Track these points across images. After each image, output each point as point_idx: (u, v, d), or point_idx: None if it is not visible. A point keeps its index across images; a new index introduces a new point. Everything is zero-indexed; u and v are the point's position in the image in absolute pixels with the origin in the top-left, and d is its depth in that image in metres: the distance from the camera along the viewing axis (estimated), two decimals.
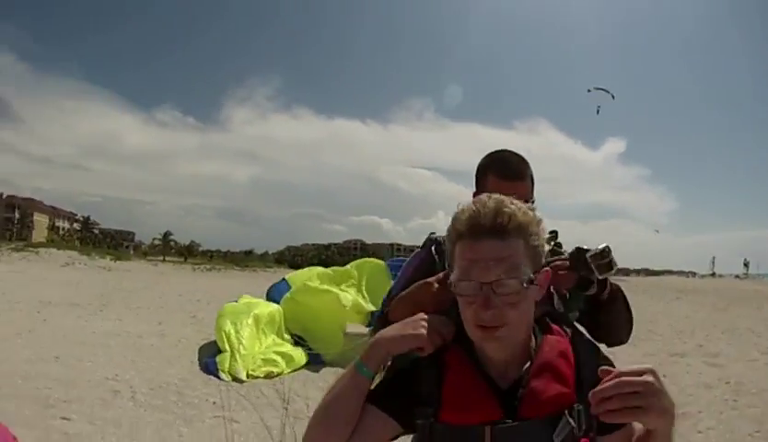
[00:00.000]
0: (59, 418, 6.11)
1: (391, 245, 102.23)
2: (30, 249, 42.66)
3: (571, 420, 1.28)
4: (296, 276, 12.80)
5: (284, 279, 12.69)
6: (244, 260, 67.14)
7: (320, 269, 12.83)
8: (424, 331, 1.36)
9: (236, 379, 8.14)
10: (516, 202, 1.35)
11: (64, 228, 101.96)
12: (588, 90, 35.98)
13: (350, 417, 1.37)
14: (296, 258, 69.50)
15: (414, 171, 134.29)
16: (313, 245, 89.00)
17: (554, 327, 1.47)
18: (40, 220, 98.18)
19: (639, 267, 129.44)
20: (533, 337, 1.41)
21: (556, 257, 1.81)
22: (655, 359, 10.99)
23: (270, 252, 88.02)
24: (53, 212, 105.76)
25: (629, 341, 2.05)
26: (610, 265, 1.73)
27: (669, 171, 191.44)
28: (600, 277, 1.76)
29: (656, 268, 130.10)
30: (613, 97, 37.06)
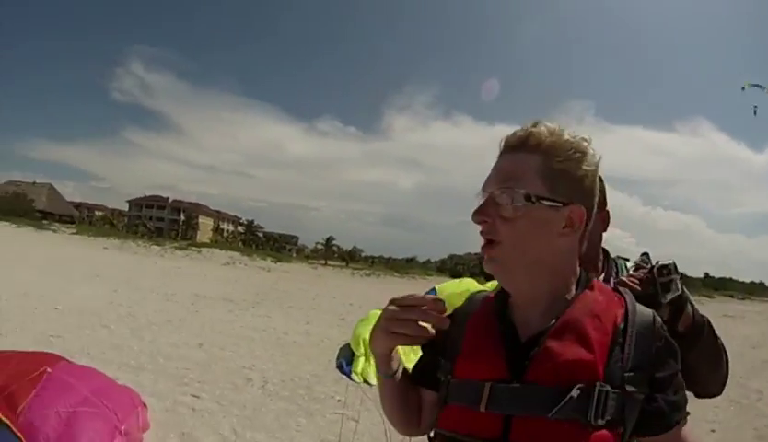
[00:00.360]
0: (189, 395, 6.66)
1: None
2: (193, 248, 45.42)
3: (576, 393, 1.08)
4: (445, 287, 12.73)
5: (433, 288, 12.62)
6: (404, 267, 66.67)
7: (469, 281, 12.64)
8: (383, 335, 1.24)
9: (366, 382, 8.20)
10: (557, 125, 1.24)
11: (228, 231, 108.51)
12: (743, 88, 31.84)
13: (402, 412, 1.39)
14: (457, 267, 68.00)
15: None
16: (476, 254, 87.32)
17: (600, 284, 1.29)
18: (205, 223, 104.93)
19: None
20: (574, 290, 1.24)
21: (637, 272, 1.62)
22: None
23: (432, 260, 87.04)
24: (218, 215, 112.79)
25: None
26: (669, 286, 1.51)
27: None
28: (665, 300, 1.50)
29: None
30: None
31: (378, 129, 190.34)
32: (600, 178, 1.76)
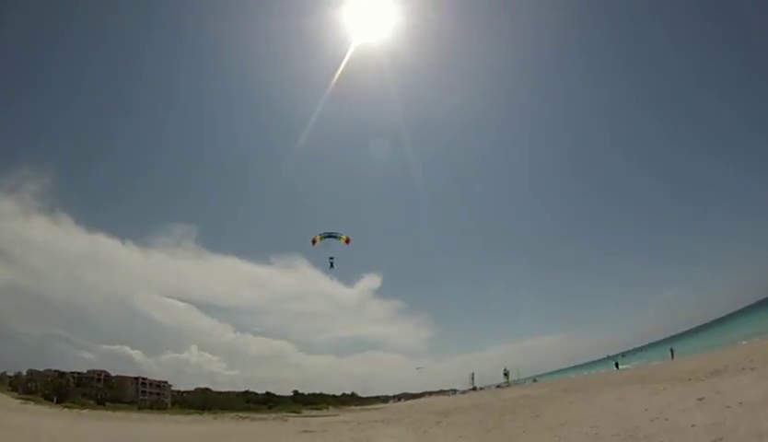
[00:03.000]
0: None
1: (136, 378, 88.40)
2: None
3: None
4: None
5: None
6: None
7: None
8: None
9: None
10: None
11: None
12: (313, 242, 37.78)
13: None
14: (29, 384, 64.98)
15: (169, 301, 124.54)
16: (55, 371, 78.80)
17: None
18: None
19: (399, 392, 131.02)
20: None
21: None
22: None
23: (8, 374, 73.32)
24: None
25: None
26: None
27: (423, 302, 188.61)
28: None
29: (415, 391, 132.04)
30: (349, 240, 38.01)
31: None
32: None
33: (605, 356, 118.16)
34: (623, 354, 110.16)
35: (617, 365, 78.17)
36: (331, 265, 40.05)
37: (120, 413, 56.30)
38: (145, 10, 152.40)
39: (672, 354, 61.90)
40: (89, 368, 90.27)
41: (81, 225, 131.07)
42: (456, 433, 21.93)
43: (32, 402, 51.30)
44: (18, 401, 51.07)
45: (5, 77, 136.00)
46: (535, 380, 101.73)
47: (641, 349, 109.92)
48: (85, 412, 51.31)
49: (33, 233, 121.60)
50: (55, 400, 59.12)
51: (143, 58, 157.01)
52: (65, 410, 50.55)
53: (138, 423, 44.88)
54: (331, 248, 39.61)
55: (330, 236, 39.20)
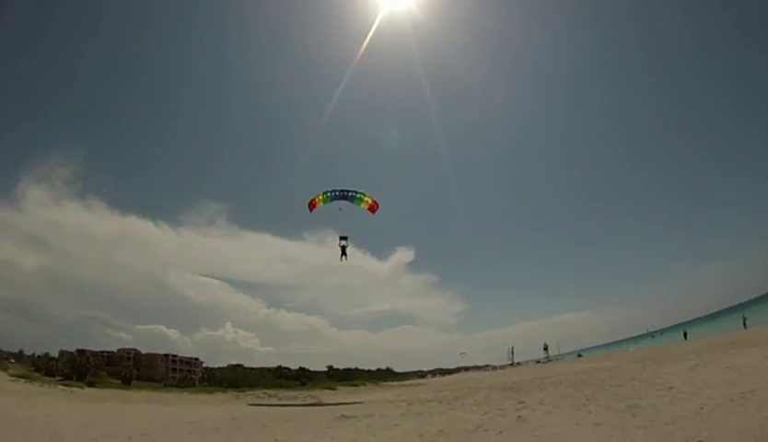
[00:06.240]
0: None
1: (166, 355, 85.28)
2: None
3: None
4: None
5: None
6: None
7: None
8: None
9: None
10: None
11: None
12: (312, 206, 28.07)
13: None
14: (50, 364, 60.87)
15: (203, 279, 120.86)
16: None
17: None
18: None
19: (434, 368, 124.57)
20: None
21: None
22: None
23: (38, 355, 72.68)
24: None
25: None
26: None
27: (454, 276, 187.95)
28: None
29: (448, 367, 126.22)
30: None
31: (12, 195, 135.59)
32: None
33: (644, 332, 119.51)
34: (662, 332, 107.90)
35: (685, 334, 70.16)
36: (343, 252, 28.04)
37: (130, 392, 49.43)
38: None
39: (745, 323, 57.28)
40: (120, 347, 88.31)
41: (113, 208, 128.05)
42: (575, 418, 14.55)
43: (24, 380, 45.04)
44: (10, 379, 43.92)
45: (28, 69, 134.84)
46: (580, 355, 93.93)
47: (685, 324, 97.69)
48: (84, 392, 43.57)
49: (65, 219, 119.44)
50: (75, 378, 54.08)
51: (163, 33, 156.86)
52: (56, 388, 42.73)
53: (138, 405, 35.92)
54: (349, 218, 28.32)
55: (343, 196, 26.97)
